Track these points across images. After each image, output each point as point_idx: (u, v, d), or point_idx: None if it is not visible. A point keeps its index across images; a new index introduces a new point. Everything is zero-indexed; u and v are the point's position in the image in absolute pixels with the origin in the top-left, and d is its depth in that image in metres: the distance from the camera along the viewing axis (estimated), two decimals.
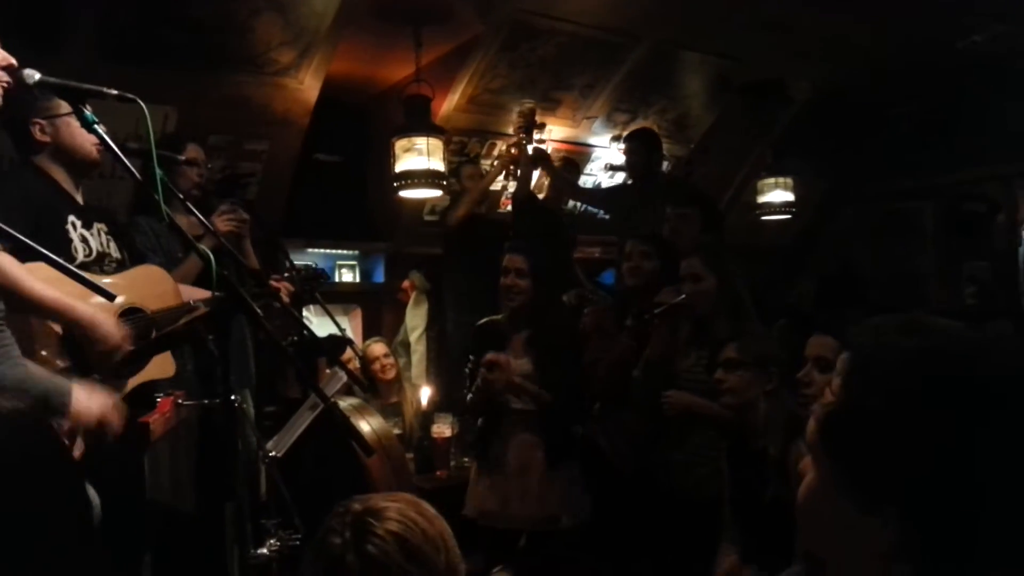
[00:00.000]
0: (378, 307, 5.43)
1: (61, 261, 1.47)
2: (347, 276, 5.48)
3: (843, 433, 0.77)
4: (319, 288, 3.09)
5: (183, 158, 3.00)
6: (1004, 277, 6.36)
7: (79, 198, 2.50)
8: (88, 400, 1.81)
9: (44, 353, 2.04)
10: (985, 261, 6.44)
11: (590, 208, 5.47)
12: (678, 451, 3.07)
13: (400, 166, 4.11)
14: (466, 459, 3.89)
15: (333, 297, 4.77)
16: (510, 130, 5.14)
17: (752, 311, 3.16)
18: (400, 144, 4.10)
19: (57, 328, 2.07)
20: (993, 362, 0.72)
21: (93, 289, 1.46)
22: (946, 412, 0.70)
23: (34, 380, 1.76)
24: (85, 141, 2.41)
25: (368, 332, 5.18)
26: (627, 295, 3.62)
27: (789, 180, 5.66)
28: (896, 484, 0.71)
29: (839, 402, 0.78)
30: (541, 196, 5.34)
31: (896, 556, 0.71)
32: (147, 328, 2.28)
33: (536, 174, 5.37)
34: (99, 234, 2.50)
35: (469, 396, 3.34)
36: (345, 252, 5.42)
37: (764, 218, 5.74)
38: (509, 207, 5.20)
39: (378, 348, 4.43)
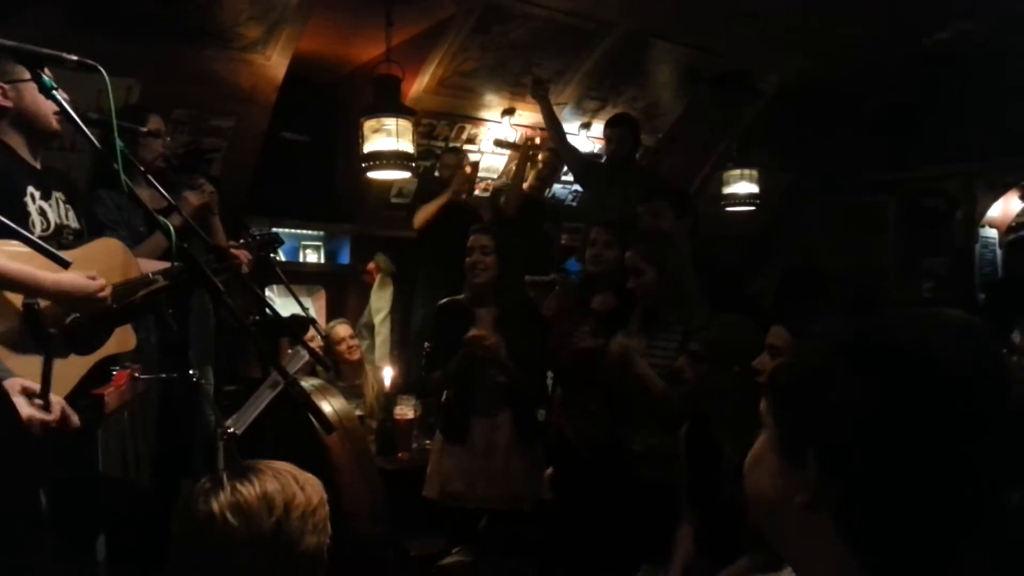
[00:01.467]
0: (343, 288, 5.40)
1: (13, 226, 1.44)
2: (312, 257, 5.44)
3: (784, 384, 0.80)
4: (274, 251, 3.06)
5: (145, 129, 2.94)
6: (961, 273, 6.50)
7: (38, 164, 2.45)
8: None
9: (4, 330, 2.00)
10: (944, 257, 6.57)
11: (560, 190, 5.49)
12: (641, 437, 3.09)
13: (369, 147, 4.07)
14: (428, 441, 3.89)
15: (297, 277, 4.74)
16: (480, 114, 5.14)
17: (704, 300, 3.19)
18: (369, 124, 4.06)
19: (16, 302, 2.03)
20: (921, 334, 0.74)
21: (46, 255, 1.43)
22: (869, 371, 0.72)
23: None
24: (47, 109, 2.35)
25: (332, 313, 5.15)
26: (589, 281, 3.63)
27: (754, 172, 5.72)
28: (823, 438, 0.73)
29: (789, 358, 0.82)
30: (525, 185, 5.35)
31: (814, 506, 0.73)
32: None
33: (504, 159, 5.40)
34: (57, 204, 2.44)
35: (435, 374, 3.36)
36: (310, 232, 5.38)
37: (728, 209, 5.79)
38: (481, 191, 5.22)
39: (343, 329, 4.41)
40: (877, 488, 0.71)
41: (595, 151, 5.55)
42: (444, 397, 3.49)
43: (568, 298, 3.65)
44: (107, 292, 2.08)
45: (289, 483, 1.35)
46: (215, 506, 1.30)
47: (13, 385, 1.66)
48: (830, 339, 0.78)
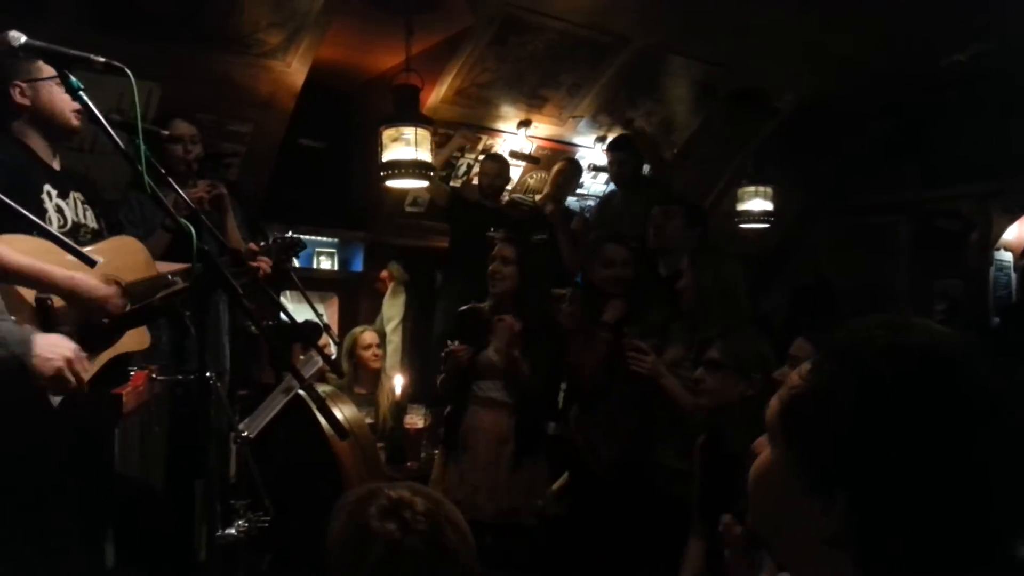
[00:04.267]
0: (355, 296, 5.41)
1: (41, 223, 1.45)
2: (325, 264, 5.46)
3: (806, 415, 0.76)
4: (296, 254, 3.07)
5: (167, 133, 2.96)
6: (975, 296, 6.46)
7: (56, 165, 2.46)
8: (49, 350, 1.80)
9: (15, 320, 2.01)
10: (957, 279, 6.53)
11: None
12: (673, 455, 3.06)
13: (387, 155, 4.08)
14: (436, 451, 3.89)
15: (310, 284, 4.74)
16: (497, 125, 5.16)
17: (748, 313, 3.19)
18: (388, 133, 4.07)
19: (29, 298, 2.05)
20: (968, 366, 0.72)
21: (73, 253, 1.44)
22: (915, 408, 0.70)
23: None
24: (65, 107, 2.38)
25: (344, 320, 5.16)
26: (599, 294, 3.63)
27: (769, 189, 5.70)
28: (851, 471, 0.71)
29: (807, 384, 0.78)
30: (539, 197, 5.40)
31: (836, 542, 0.72)
32: (123, 300, 2.25)
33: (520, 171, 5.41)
34: (75, 203, 2.46)
35: (441, 378, 3.36)
36: (324, 239, 5.40)
37: (742, 226, 5.78)
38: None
39: (369, 336, 4.41)
40: (907, 526, 0.69)
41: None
42: (447, 408, 3.49)
43: (580, 314, 3.63)
44: (118, 302, 2.09)
45: (450, 502, 1.37)
46: (428, 533, 1.26)
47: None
48: (854, 368, 0.74)
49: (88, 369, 1.88)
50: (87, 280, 2.04)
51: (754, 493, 0.83)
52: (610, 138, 5.48)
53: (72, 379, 1.84)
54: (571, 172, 5.29)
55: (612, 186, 5.65)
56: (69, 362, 1.84)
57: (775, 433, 0.80)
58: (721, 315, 3.04)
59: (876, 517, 0.70)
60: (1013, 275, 6.78)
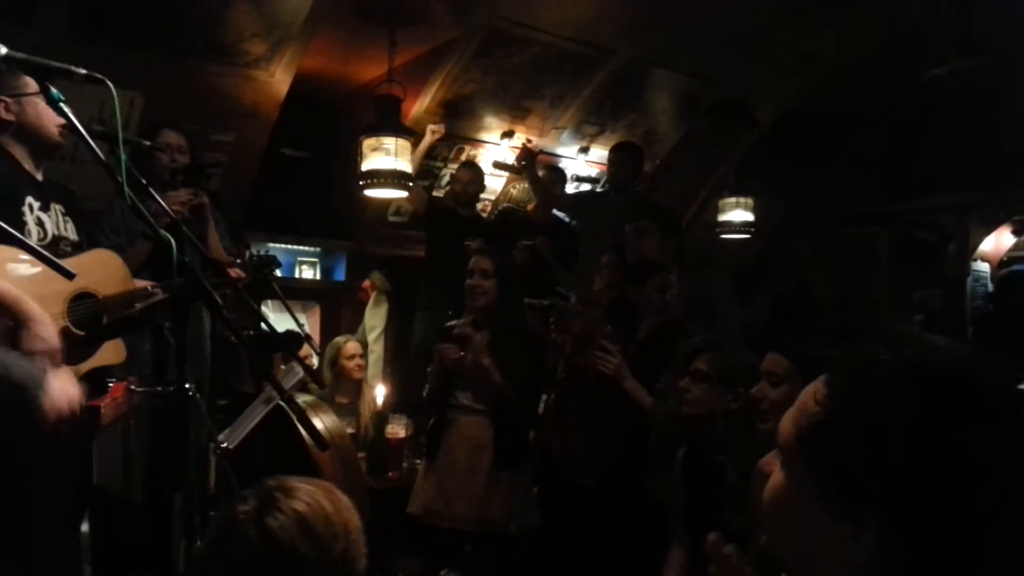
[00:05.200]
0: (337, 305, 5.40)
1: (20, 236, 1.45)
2: (307, 273, 5.45)
3: (828, 443, 0.76)
4: (270, 273, 3.07)
5: (148, 144, 2.96)
6: (953, 306, 6.54)
7: (39, 176, 2.46)
8: (60, 393, 1.77)
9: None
10: (936, 289, 6.61)
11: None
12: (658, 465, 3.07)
13: (367, 165, 4.09)
14: (418, 461, 3.88)
15: (293, 293, 4.74)
16: (480, 136, 5.18)
17: (736, 324, 3.22)
18: (368, 143, 4.08)
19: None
20: (986, 379, 0.72)
21: (52, 266, 1.44)
22: (939, 426, 0.70)
23: (10, 363, 1.72)
24: (50, 122, 2.38)
25: (326, 330, 5.16)
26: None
27: (750, 200, 5.75)
28: (879, 495, 0.71)
29: (826, 411, 0.77)
30: (530, 207, 5.44)
31: (870, 567, 0.71)
32: (98, 313, 2.25)
33: (502, 181, 5.44)
34: (56, 215, 2.46)
35: (427, 389, 3.36)
36: (307, 248, 5.39)
37: (723, 236, 5.83)
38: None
39: (352, 347, 4.39)
40: (942, 544, 0.69)
41: (593, 175, 5.59)
42: (430, 420, 3.48)
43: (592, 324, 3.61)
44: (55, 359, 2.03)
45: (340, 504, 1.31)
46: (277, 528, 1.23)
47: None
48: (872, 392, 0.74)
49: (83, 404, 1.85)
50: (48, 326, 1.98)
51: (773, 518, 0.82)
52: (593, 148, 5.51)
53: (72, 420, 1.80)
54: (554, 180, 5.32)
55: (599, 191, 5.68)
56: (74, 405, 1.81)
57: (792, 458, 0.79)
58: (710, 326, 3.06)
59: (908, 539, 0.70)
60: (990, 285, 6.86)
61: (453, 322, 3.44)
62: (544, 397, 3.64)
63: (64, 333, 2.09)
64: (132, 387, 2.22)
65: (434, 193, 5.22)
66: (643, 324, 3.39)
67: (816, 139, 6.05)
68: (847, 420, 0.74)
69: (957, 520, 0.69)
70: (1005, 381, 0.73)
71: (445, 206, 4.96)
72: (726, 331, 3.10)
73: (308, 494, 1.29)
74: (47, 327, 1.97)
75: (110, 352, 2.29)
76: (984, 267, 6.94)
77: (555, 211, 5.17)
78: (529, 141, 5.02)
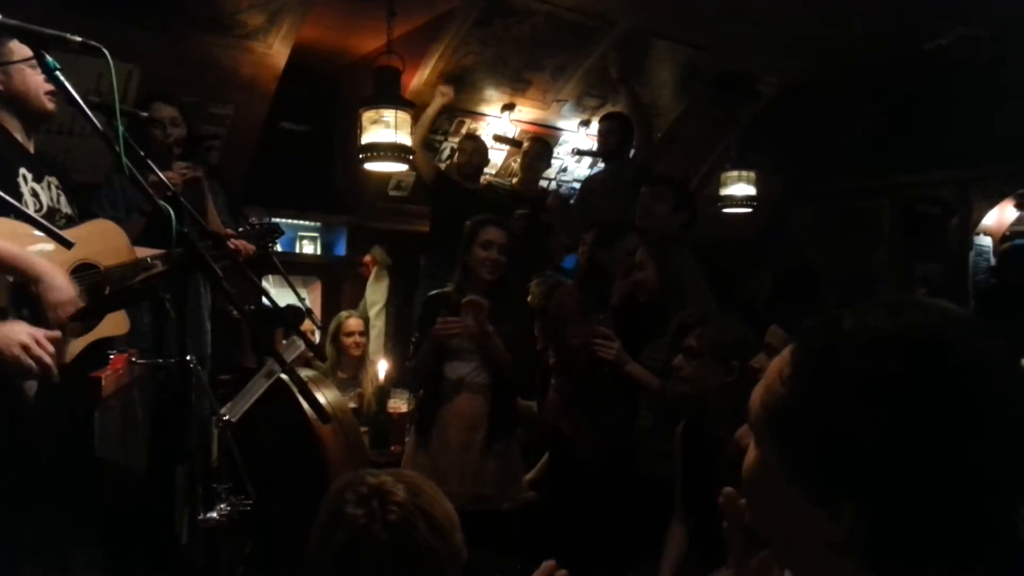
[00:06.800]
0: (338, 280, 5.39)
1: (19, 205, 1.43)
2: (308, 248, 5.43)
3: (796, 425, 0.73)
4: (273, 243, 3.05)
5: (146, 115, 2.93)
6: (955, 280, 6.52)
7: (31, 147, 2.43)
8: (2, 339, 1.77)
9: None
10: (938, 263, 6.59)
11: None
12: (660, 439, 3.07)
13: (367, 138, 4.05)
14: (415, 435, 3.88)
15: (293, 268, 4.72)
16: (480, 108, 5.14)
17: (707, 299, 3.20)
18: (367, 116, 4.04)
19: (7, 279, 2.02)
20: (967, 351, 0.69)
21: (52, 236, 1.42)
22: (908, 405, 0.67)
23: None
24: (39, 90, 2.34)
25: (327, 305, 5.14)
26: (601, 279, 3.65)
27: (752, 174, 5.72)
28: (852, 479, 0.69)
29: (790, 393, 0.74)
30: (516, 180, 5.41)
31: (844, 548, 0.70)
32: (100, 284, 2.23)
33: (503, 155, 5.41)
34: (49, 187, 2.43)
35: (409, 364, 3.35)
36: (307, 223, 5.37)
37: (725, 211, 5.80)
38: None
39: (354, 323, 4.39)
40: (920, 527, 0.68)
41: (593, 148, 5.56)
42: (420, 392, 3.47)
43: (577, 298, 3.61)
44: (71, 311, 2.04)
45: (438, 493, 1.32)
46: (405, 527, 1.22)
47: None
48: (837, 374, 0.70)
49: (54, 352, 1.85)
50: (57, 278, 1.99)
51: (750, 495, 0.81)
52: (594, 121, 5.47)
53: (32, 363, 1.80)
54: (538, 151, 5.30)
55: (594, 170, 5.66)
56: (25, 348, 1.81)
57: (762, 435, 0.77)
58: (690, 301, 3.05)
59: (885, 522, 0.68)
60: (992, 259, 6.85)
61: (436, 291, 3.40)
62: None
63: None
64: (133, 359, 2.21)
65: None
66: (615, 288, 3.38)
67: (819, 112, 6.00)
68: (813, 404, 0.71)
69: (933, 502, 0.67)
70: (978, 347, 0.69)
71: (449, 179, 4.94)
72: (698, 304, 3.08)
73: (415, 487, 1.29)
74: (59, 277, 1.97)
75: (112, 324, 2.28)
76: (987, 241, 6.92)
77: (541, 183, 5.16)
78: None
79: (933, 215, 6.58)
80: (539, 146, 5.32)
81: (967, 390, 0.67)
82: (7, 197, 1.43)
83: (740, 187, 5.72)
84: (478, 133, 5.22)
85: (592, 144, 5.57)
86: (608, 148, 4.81)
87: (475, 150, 4.94)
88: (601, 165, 5.38)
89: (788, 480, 0.73)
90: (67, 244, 1.49)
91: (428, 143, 5.09)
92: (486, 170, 5.36)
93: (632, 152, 4.90)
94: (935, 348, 0.69)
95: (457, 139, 5.19)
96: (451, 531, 1.27)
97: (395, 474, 1.34)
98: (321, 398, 3.33)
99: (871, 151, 6.39)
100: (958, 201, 6.52)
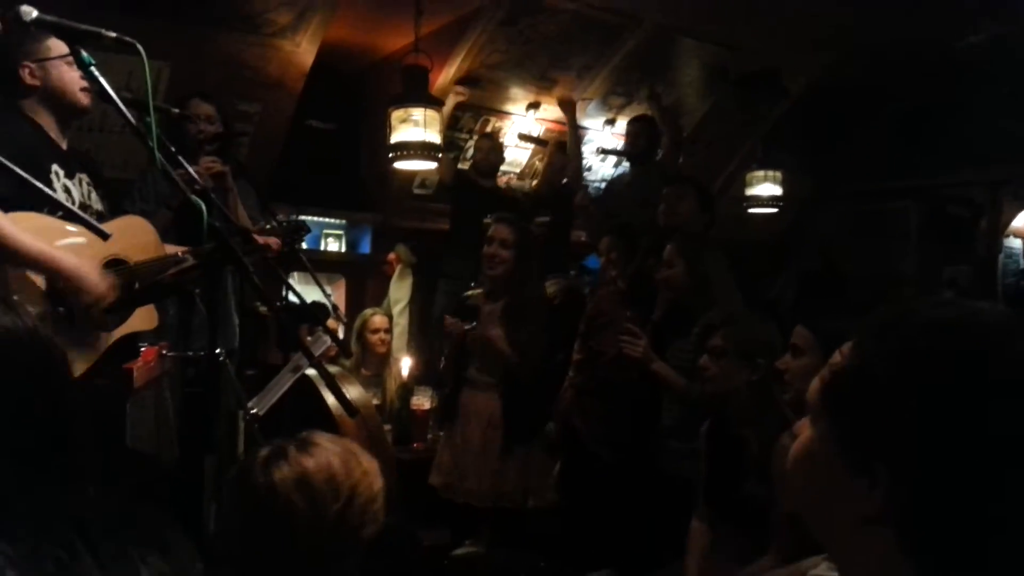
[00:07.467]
0: (362, 278, 5.41)
1: (56, 197, 1.46)
2: (333, 246, 5.46)
3: (847, 390, 0.76)
4: (301, 238, 3.07)
5: (177, 111, 2.96)
6: (984, 283, 6.43)
7: (64, 144, 2.47)
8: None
9: (19, 300, 2.01)
10: (966, 265, 6.50)
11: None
12: (682, 438, 3.06)
13: (396, 137, 4.07)
14: (442, 432, 3.90)
15: (318, 266, 4.72)
16: (505, 107, 5.15)
17: (735, 299, 3.19)
18: (396, 115, 4.06)
19: (38, 278, 2.05)
20: (1008, 339, 0.71)
21: (88, 227, 1.44)
22: (958, 385, 0.69)
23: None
24: (75, 86, 2.37)
25: (352, 303, 5.17)
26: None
27: (778, 174, 5.67)
28: (892, 446, 0.71)
29: (848, 360, 0.77)
30: (534, 183, 5.42)
31: (879, 520, 0.71)
32: (130, 279, 2.26)
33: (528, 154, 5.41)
34: (81, 184, 2.46)
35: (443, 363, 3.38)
36: (332, 221, 5.39)
37: (751, 211, 5.76)
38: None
39: (379, 320, 4.41)
40: (952, 503, 0.69)
41: (619, 148, 5.55)
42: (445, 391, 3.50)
43: (616, 300, 3.59)
44: (108, 302, 2.08)
45: (353, 467, 1.32)
46: (278, 478, 1.27)
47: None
48: (896, 344, 0.74)
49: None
50: (89, 275, 2.02)
51: (794, 472, 0.82)
52: (620, 120, 5.46)
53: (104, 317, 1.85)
54: (562, 162, 5.28)
55: (620, 169, 5.64)
56: (104, 296, 1.86)
57: (817, 411, 0.80)
58: (719, 301, 3.04)
59: (918, 493, 0.69)
60: (1022, 262, 6.74)
61: (470, 292, 3.44)
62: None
63: None
64: (164, 352, 2.24)
65: (459, 166, 5.20)
66: (659, 301, 3.36)
67: (847, 112, 5.94)
68: (867, 370, 0.74)
69: (969, 482, 0.68)
70: None
71: (468, 177, 4.96)
72: (725, 305, 3.07)
73: (321, 451, 1.32)
74: (88, 276, 2.00)
75: (142, 318, 2.31)
76: (1016, 244, 6.80)
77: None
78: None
79: (962, 216, 6.49)
80: (562, 155, 5.30)
81: (1018, 381, 0.69)
82: (46, 189, 1.45)
83: (766, 187, 5.68)
84: (502, 132, 5.22)
85: (617, 143, 5.55)
86: (636, 150, 4.79)
87: (491, 148, 4.96)
88: (626, 165, 5.36)
89: (833, 449, 0.76)
90: (103, 235, 1.51)
91: (453, 141, 5.10)
92: (509, 169, 5.37)
93: (659, 155, 4.89)
94: (995, 337, 0.71)
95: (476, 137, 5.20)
96: (327, 501, 1.27)
97: (332, 440, 1.37)
98: (346, 393, 3.36)
99: (900, 151, 6.31)
100: (988, 202, 6.43)
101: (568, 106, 4.96)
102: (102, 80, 1.74)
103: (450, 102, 4.72)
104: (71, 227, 2.02)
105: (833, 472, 0.75)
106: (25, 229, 1.94)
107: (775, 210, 5.76)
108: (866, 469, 0.72)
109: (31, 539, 0.35)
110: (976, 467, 0.68)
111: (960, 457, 0.68)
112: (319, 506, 1.26)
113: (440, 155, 4.22)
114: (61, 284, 2.02)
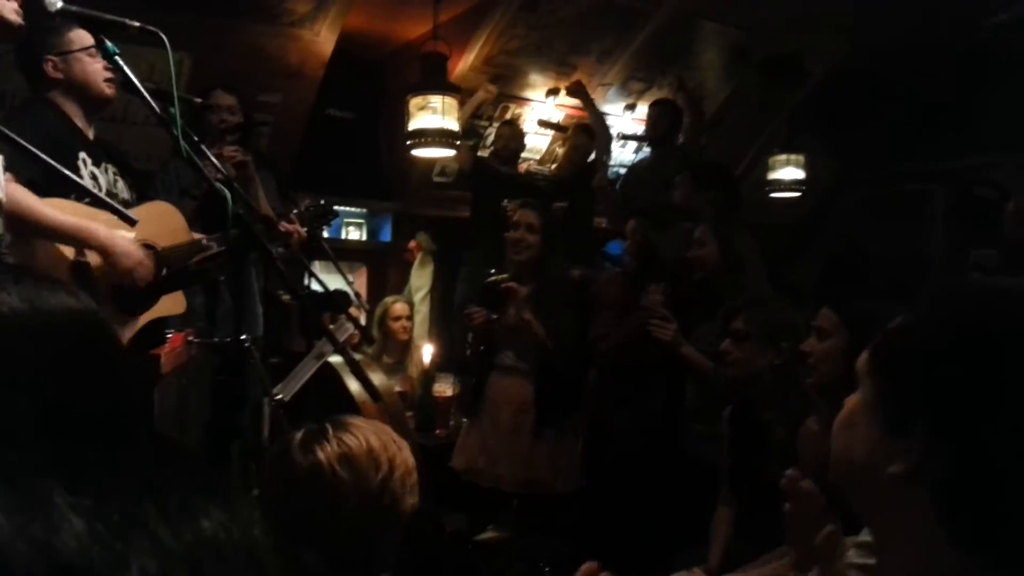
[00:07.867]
0: (383, 266, 5.43)
1: (85, 184, 1.48)
2: (354, 234, 5.48)
3: (893, 351, 0.78)
4: (327, 223, 3.08)
5: (199, 101, 2.98)
6: (1011, 266, 6.34)
7: (91, 134, 2.49)
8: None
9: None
10: (993, 249, 6.41)
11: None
12: (706, 421, 3.06)
13: (414, 124, 4.07)
14: (465, 419, 3.92)
15: (339, 254, 4.73)
16: (525, 93, 5.13)
17: (764, 282, 3.17)
18: (415, 102, 4.06)
19: (68, 256, 2.08)
20: None
21: (115, 213, 1.47)
22: (1001, 350, 0.70)
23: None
24: (98, 77, 2.40)
25: (373, 291, 5.19)
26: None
27: (801, 157, 5.62)
28: (932, 410, 0.71)
29: (898, 324, 0.79)
30: (555, 166, 5.40)
31: (915, 478, 0.72)
32: (158, 264, 2.29)
33: (548, 140, 5.40)
34: (107, 172, 2.49)
35: (469, 350, 3.37)
36: (353, 210, 5.41)
37: (774, 195, 5.71)
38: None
39: (400, 307, 4.43)
40: (983, 467, 0.69)
41: (639, 133, 5.52)
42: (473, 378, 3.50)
43: (619, 286, 3.59)
44: (148, 269, 2.11)
45: (389, 442, 1.36)
46: (322, 456, 1.30)
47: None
48: (949, 306, 0.76)
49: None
50: (122, 243, 2.07)
51: (836, 438, 0.84)
52: (640, 106, 5.42)
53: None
54: (587, 144, 5.25)
55: (640, 155, 5.61)
56: (139, 264, 1.93)
57: (863, 376, 0.81)
58: (746, 284, 3.02)
59: (953, 455, 0.70)
60: None
61: (493, 277, 3.43)
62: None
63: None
64: (190, 338, 2.26)
65: (479, 153, 5.19)
66: (683, 283, 3.34)
67: (870, 95, 5.87)
68: (917, 331, 0.76)
69: (1005, 449, 0.68)
70: None
71: (488, 165, 4.95)
72: (755, 288, 3.06)
73: (358, 430, 1.36)
74: (121, 244, 2.03)
75: (170, 303, 2.34)
76: None
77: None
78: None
79: (988, 199, 6.39)
80: (587, 138, 5.28)
81: None
82: (72, 176, 1.47)
83: (788, 171, 5.63)
84: (522, 119, 5.21)
85: (637, 129, 5.52)
86: (656, 134, 4.77)
87: (512, 135, 4.95)
88: (647, 150, 5.33)
89: (874, 408, 0.77)
90: (131, 221, 1.53)
91: (473, 129, 5.09)
92: (528, 156, 5.36)
93: (680, 139, 4.86)
94: None
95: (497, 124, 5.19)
96: (371, 473, 1.31)
97: (365, 421, 1.41)
98: None
99: (925, 133, 6.23)
100: (1015, 185, 6.33)
101: (579, 90, 4.89)
102: (127, 69, 1.76)
103: (477, 96, 4.70)
104: (100, 214, 2.05)
105: (872, 433, 0.77)
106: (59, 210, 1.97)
107: (797, 194, 5.71)
108: (905, 429, 0.73)
109: (94, 488, 0.35)
110: (1014, 434, 0.68)
111: (999, 423, 0.69)
112: (364, 478, 1.30)
113: (459, 142, 4.22)
114: (99, 256, 2.05)
